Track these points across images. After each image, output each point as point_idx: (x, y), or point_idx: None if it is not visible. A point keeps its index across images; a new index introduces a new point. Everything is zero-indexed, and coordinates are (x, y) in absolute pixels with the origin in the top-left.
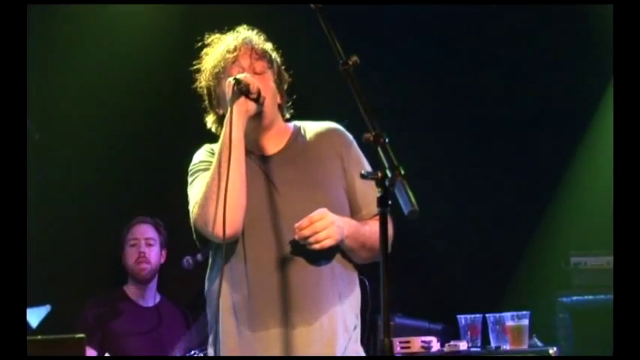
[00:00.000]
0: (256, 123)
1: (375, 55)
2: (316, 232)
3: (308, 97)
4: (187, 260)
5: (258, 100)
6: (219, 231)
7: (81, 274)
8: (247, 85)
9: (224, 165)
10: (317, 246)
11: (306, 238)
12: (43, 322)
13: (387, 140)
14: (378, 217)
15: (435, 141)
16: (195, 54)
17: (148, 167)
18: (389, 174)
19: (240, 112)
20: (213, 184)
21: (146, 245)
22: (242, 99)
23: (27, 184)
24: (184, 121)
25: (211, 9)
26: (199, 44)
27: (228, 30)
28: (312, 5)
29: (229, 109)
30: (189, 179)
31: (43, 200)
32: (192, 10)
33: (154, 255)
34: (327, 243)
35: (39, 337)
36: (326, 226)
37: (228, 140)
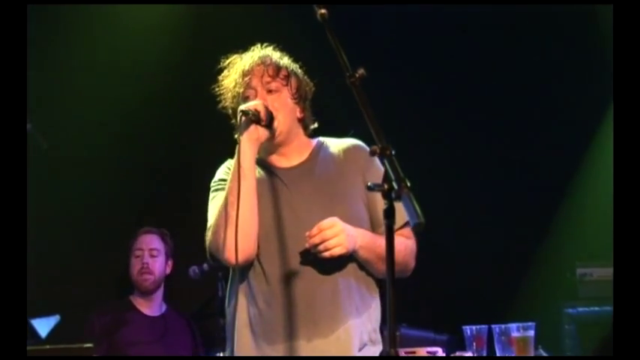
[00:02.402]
0: (272, 142)
1: (380, 60)
2: (325, 240)
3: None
4: (194, 270)
5: (270, 124)
6: (230, 257)
7: (89, 283)
8: (256, 113)
9: (235, 194)
10: (327, 254)
11: (316, 246)
12: (53, 332)
13: (393, 153)
14: (398, 232)
15: (441, 152)
16: (206, 59)
17: (157, 177)
18: (395, 186)
19: (250, 140)
20: (224, 212)
21: (150, 256)
22: (252, 127)
23: (36, 194)
24: (193, 131)
25: (219, 9)
26: (218, 67)
27: (245, 51)
28: (318, 17)
29: (243, 134)
30: (210, 196)
31: (51, 210)
32: (199, 11)
33: (158, 266)
34: (337, 251)
35: (47, 346)
36: (336, 233)
37: (240, 170)
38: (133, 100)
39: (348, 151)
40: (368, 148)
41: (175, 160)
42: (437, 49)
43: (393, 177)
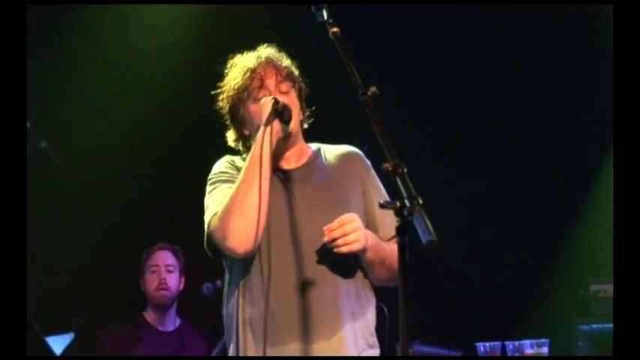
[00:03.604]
0: (283, 141)
1: (388, 71)
2: (346, 234)
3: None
4: (207, 287)
5: (288, 122)
6: (235, 245)
7: (103, 301)
8: (283, 107)
9: (251, 182)
10: (345, 249)
11: (335, 239)
12: (67, 350)
13: (405, 170)
14: (393, 240)
15: (453, 168)
16: (216, 65)
17: (167, 193)
18: (407, 204)
19: (273, 132)
20: (237, 198)
21: (166, 272)
22: (276, 120)
23: (48, 211)
24: (204, 149)
25: (232, 10)
26: (220, 64)
27: (249, 49)
28: (330, 35)
29: (263, 128)
30: (208, 188)
31: (63, 228)
32: (213, 11)
33: (174, 282)
34: (355, 247)
35: None
36: (355, 228)
37: (259, 159)
38: (145, 117)
39: (346, 158)
40: (364, 155)
41: (186, 176)
42: (446, 61)
43: (405, 194)
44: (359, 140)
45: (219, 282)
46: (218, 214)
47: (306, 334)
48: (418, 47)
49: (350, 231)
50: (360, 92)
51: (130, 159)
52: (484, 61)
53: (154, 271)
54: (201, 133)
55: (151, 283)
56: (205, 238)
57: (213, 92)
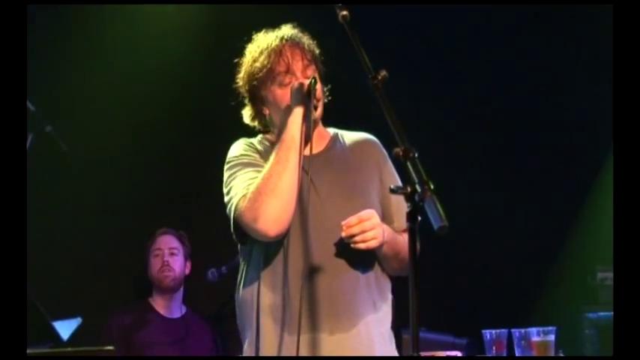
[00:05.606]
0: (307, 126)
1: (397, 59)
2: (364, 232)
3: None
4: (212, 272)
5: (316, 108)
6: (267, 228)
7: (110, 286)
8: (316, 90)
9: (285, 164)
10: (362, 245)
11: (353, 236)
12: (74, 335)
13: (416, 155)
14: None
15: (461, 154)
16: (224, 59)
17: (174, 180)
18: (418, 189)
19: (303, 114)
20: (270, 180)
21: (170, 254)
22: (306, 102)
23: (54, 196)
24: (212, 133)
25: (236, 9)
26: (243, 42)
27: (271, 29)
28: (340, 19)
29: (298, 109)
30: (228, 172)
31: (71, 213)
32: (216, 11)
33: (178, 264)
34: (373, 244)
35: (69, 348)
36: (374, 226)
37: (292, 140)
38: (151, 102)
39: (364, 145)
40: (381, 144)
41: (193, 163)
42: (455, 50)
43: (416, 179)
44: (365, 126)
45: (223, 268)
46: (248, 195)
47: (326, 325)
48: (422, 43)
49: (369, 228)
50: (370, 76)
51: (138, 144)
52: (489, 54)
53: (157, 255)
54: (209, 119)
55: (154, 265)
56: (232, 221)
57: (237, 60)
